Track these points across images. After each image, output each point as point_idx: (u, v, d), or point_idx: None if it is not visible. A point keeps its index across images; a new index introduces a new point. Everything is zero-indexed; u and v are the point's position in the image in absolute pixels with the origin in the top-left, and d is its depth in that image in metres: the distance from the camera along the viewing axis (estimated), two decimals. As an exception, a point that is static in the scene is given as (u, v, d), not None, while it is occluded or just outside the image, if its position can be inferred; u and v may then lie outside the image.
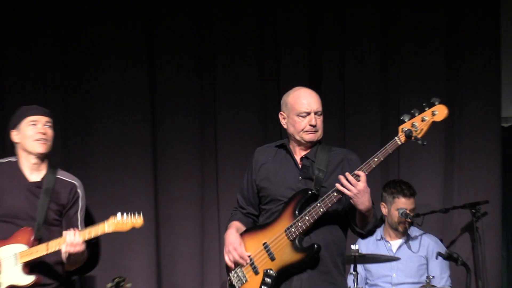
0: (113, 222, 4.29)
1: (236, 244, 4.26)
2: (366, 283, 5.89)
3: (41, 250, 4.30)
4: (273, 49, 6.39)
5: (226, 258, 4.29)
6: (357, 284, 5.26)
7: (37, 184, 4.45)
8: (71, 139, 6.38)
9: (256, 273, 4.23)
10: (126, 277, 5.35)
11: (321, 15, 6.35)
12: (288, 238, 4.17)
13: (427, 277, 5.54)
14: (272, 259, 4.20)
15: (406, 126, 4.08)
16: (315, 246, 4.13)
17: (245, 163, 4.62)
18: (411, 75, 6.29)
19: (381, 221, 5.79)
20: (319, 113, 4.30)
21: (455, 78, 6.28)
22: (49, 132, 4.48)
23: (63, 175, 4.54)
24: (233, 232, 4.34)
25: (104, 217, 4.38)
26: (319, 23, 6.36)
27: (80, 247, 4.29)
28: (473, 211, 5.96)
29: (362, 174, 4.07)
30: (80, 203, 4.55)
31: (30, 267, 4.33)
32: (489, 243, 6.11)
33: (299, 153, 4.33)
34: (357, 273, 5.31)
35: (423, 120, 4.08)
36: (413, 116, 4.09)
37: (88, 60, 6.39)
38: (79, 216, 4.55)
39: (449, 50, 6.28)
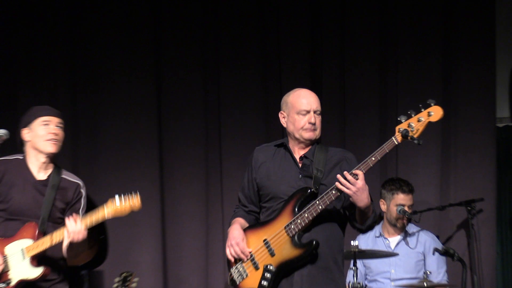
0: (112, 207, 4.26)
1: (239, 239, 4.27)
2: (366, 279, 5.91)
3: (46, 242, 4.27)
4: (276, 53, 6.44)
5: (228, 252, 4.29)
6: (356, 279, 5.24)
7: (44, 183, 4.43)
8: (80, 140, 6.43)
9: (256, 268, 4.25)
10: (134, 272, 5.37)
11: (322, 21, 6.41)
12: (288, 234, 4.19)
13: (425, 273, 5.53)
14: (272, 255, 4.21)
15: (402, 126, 4.11)
16: (314, 242, 4.15)
17: (248, 163, 4.65)
18: (408, 78, 6.32)
19: (380, 217, 5.83)
20: (318, 112, 4.33)
21: (451, 81, 6.31)
22: (60, 133, 4.47)
23: (67, 175, 4.52)
24: (237, 227, 4.34)
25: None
26: (320, 29, 6.41)
27: (82, 234, 4.24)
28: (469, 208, 6.00)
29: (360, 173, 4.10)
30: (83, 202, 4.52)
31: (37, 260, 4.30)
32: (484, 239, 6.14)
33: (298, 152, 4.35)
34: (357, 268, 5.28)
35: (419, 121, 4.10)
36: (409, 116, 4.12)
37: (97, 63, 6.47)
38: (81, 214, 4.48)
39: (445, 53, 6.30)
